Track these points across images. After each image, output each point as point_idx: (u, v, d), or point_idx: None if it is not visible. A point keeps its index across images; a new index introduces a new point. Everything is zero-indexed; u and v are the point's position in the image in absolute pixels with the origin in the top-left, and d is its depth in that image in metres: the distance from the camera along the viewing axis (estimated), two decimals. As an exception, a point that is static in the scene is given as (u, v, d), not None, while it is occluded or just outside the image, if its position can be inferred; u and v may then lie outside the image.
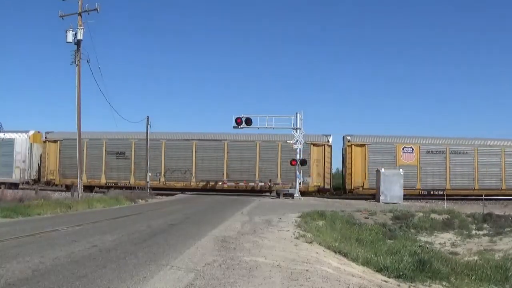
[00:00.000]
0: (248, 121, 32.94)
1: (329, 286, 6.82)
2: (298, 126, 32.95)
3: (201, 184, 36.36)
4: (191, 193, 36.18)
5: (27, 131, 38.29)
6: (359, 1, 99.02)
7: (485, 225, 21.01)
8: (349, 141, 35.40)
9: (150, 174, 35.60)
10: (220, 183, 35.96)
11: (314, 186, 35.36)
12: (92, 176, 36.65)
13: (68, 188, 35.47)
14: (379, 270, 9.99)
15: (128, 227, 12.94)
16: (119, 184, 36.00)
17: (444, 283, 10.33)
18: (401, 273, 9.80)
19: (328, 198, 33.80)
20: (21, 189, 33.19)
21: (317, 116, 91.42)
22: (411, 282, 9.55)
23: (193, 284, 6.11)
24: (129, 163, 36.90)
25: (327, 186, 35.42)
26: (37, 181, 38.38)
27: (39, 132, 39.15)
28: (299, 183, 32.84)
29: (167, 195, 34.10)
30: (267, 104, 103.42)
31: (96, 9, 24.88)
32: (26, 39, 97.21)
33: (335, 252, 10.77)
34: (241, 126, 32.98)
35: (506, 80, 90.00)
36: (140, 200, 26.64)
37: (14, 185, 34.68)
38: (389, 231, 18.20)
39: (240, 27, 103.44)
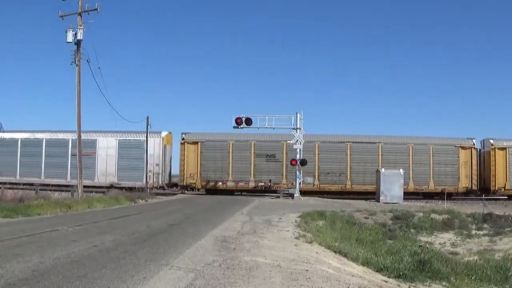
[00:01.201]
0: (248, 121, 32.92)
1: (329, 286, 6.81)
2: (298, 126, 32.93)
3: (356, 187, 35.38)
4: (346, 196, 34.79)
5: (159, 132, 36.86)
6: (360, 1, 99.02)
7: (485, 225, 20.99)
8: (492, 145, 35.82)
9: (150, 174, 35.48)
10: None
11: (463, 187, 35.57)
12: (241, 179, 35.32)
13: (208, 192, 34.72)
14: (379, 270, 9.99)
15: (128, 227, 12.94)
16: (271, 187, 35.11)
17: (444, 283, 10.32)
18: (401, 273, 9.80)
19: (328, 198, 33.79)
20: (157, 193, 32.51)
21: (317, 116, 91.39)
22: (411, 282, 9.55)
23: (193, 284, 6.11)
24: (279, 165, 35.62)
25: (474, 188, 35.59)
26: (170, 185, 37.35)
27: (170, 132, 37.96)
28: (300, 183, 32.85)
29: (167, 195, 34.09)
30: (267, 104, 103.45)
31: (96, 9, 24.85)
32: (26, 39, 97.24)
33: (335, 252, 10.76)
34: (241, 126, 32.96)
35: None
36: (140, 200, 26.62)
37: (141, 190, 33.19)
38: (389, 231, 18.18)
39: (240, 27, 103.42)
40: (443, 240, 18.46)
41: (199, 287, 6.00)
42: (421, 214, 22.53)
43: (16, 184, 36.84)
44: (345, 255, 10.59)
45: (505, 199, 34.04)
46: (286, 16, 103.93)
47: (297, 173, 32.68)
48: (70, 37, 24.61)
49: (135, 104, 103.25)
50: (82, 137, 36.10)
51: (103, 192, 29.40)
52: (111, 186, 35.30)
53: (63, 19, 25.25)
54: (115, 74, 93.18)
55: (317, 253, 9.92)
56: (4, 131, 40.18)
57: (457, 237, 19.05)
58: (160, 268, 7.04)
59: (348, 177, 35.57)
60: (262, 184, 35.28)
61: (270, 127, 33.79)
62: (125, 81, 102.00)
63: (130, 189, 33.08)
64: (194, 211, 20.03)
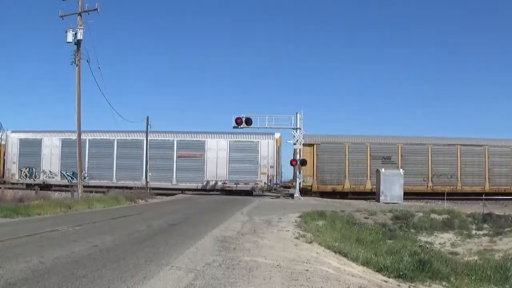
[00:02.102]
0: (248, 121, 32.92)
1: (329, 286, 6.81)
2: (298, 126, 32.95)
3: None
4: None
5: (272, 133, 36.04)
6: (360, 2, 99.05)
7: (485, 225, 20.98)
8: None
9: (150, 174, 35.48)
10: None
11: None
12: (356, 182, 34.83)
13: (323, 195, 33.71)
14: (379, 270, 9.98)
15: (128, 227, 12.94)
16: None
17: (444, 283, 10.31)
18: (401, 273, 9.79)
19: (328, 198, 33.79)
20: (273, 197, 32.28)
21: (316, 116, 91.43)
22: (411, 282, 9.54)
23: (193, 284, 6.11)
24: (395, 168, 34.72)
25: None
26: (283, 187, 36.46)
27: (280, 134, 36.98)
28: (299, 183, 32.85)
29: (167, 195, 34.10)
30: (267, 104, 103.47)
31: (96, 9, 24.86)
32: (25, 39, 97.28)
33: (335, 252, 10.76)
34: (241, 126, 32.98)
35: None
36: (140, 200, 26.62)
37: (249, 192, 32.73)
38: (389, 231, 18.16)
39: (240, 27, 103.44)
40: (443, 240, 18.45)
41: (199, 287, 6.00)
42: (421, 214, 22.53)
43: (113, 188, 35.59)
44: (345, 255, 10.59)
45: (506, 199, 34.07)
46: (286, 16, 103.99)
47: (297, 173, 32.69)
48: (70, 37, 24.62)
49: (135, 104, 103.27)
50: (189, 138, 36.32)
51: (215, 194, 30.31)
52: (222, 190, 35.04)
53: (63, 19, 25.29)
54: (115, 74, 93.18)
55: (317, 253, 9.92)
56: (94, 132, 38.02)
57: (457, 237, 19.05)
58: (160, 268, 7.04)
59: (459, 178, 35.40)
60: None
61: (270, 127, 33.87)
62: (125, 81, 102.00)
63: (243, 192, 33.39)
64: (194, 211, 20.03)
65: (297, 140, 32.69)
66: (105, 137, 37.81)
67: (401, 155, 35.06)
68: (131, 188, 33.39)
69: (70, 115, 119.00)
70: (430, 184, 35.04)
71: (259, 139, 35.86)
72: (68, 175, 37.21)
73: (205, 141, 36.35)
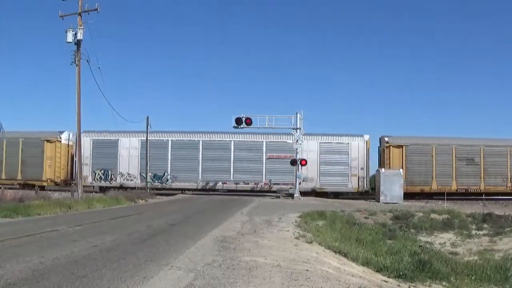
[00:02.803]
0: (248, 121, 32.97)
1: (329, 286, 6.81)
2: (298, 126, 32.97)
3: None
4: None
5: (362, 135, 35.95)
6: (360, 1, 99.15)
7: (485, 225, 20.99)
8: None
9: (150, 174, 35.41)
10: None
11: None
12: (443, 182, 34.80)
13: (412, 196, 33.79)
14: (379, 270, 9.98)
15: (128, 227, 12.95)
16: (469, 190, 35.01)
17: (444, 283, 10.32)
18: (401, 273, 9.79)
19: (328, 198, 33.81)
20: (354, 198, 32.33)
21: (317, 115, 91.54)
22: (411, 282, 9.54)
23: (193, 284, 6.11)
24: (477, 168, 35.20)
25: None
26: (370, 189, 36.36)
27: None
28: (299, 183, 32.87)
29: (167, 195, 34.11)
30: (267, 104, 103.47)
31: (96, 9, 24.86)
32: (26, 39, 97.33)
33: (335, 252, 10.76)
34: (241, 126, 33.01)
35: None
36: (140, 200, 26.64)
37: (344, 194, 32.70)
38: (389, 231, 18.17)
39: (240, 27, 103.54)
40: (443, 240, 18.46)
41: (199, 287, 6.01)
42: (421, 214, 22.55)
43: (198, 190, 35.82)
44: (345, 255, 10.59)
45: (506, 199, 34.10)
46: (286, 16, 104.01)
47: (297, 173, 32.72)
48: (70, 37, 24.62)
49: (135, 104, 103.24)
50: (274, 140, 36.01)
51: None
52: (313, 191, 34.77)
53: (63, 19, 25.28)
54: (115, 74, 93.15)
55: (317, 253, 9.92)
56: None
57: (457, 237, 19.06)
58: (160, 268, 7.05)
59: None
60: (462, 187, 35.39)
61: (270, 127, 33.90)
62: (125, 81, 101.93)
63: (337, 194, 33.37)
64: (194, 211, 20.04)
65: (297, 140, 32.70)
66: (191, 138, 36.99)
67: (483, 157, 35.31)
68: (217, 190, 33.93)
69: (70, 115, 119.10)
70: (509, 184, 35.34)
71: (349, 140, 35.57)
72: (148, 177, 36.02)
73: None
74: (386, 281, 9.02)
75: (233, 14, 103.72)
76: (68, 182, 38.00)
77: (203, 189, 36.33)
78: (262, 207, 23.34)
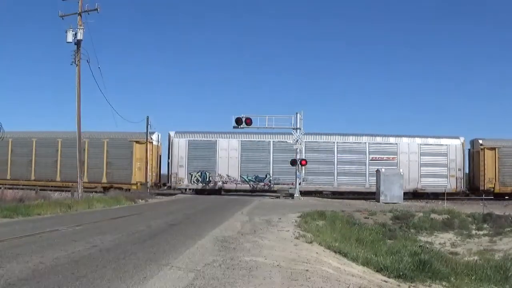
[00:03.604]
0: (248, 121, 32.98)
1: (329, 286, 6.81)
2: (298, 126, 32.97)
3: None
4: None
5: (458, 137, 36.61)
6: (360, 1, 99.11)
7: (485, 225, 20.98)
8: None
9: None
10: None
11: None
12: None
13: (504, 195, 34.81)
14: (379, 270, 9.98)
15: (128, 227, 12.94)
16: None
17: (444, 283, 10.31)
18: (401, 273, 9.79)
19: (327, 198, 33.81)
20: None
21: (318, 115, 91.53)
22: (411, 282, 9.54)
23: (193, 284, 6.11)
24: None
25: None
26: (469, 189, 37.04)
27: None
28: (299, 183, 32.87)
29: (167, 195, 34.09)
30: (267, 104, 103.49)
31: (96, 9, 24.86)
32: (25, 39, 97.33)
33: (335, 252, 10.76)
34: (241, 126, 33.02)
35: None
36: (140, 200, 26.63)
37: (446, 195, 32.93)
38: (389, 231, 18.17)
39: (240, 27, 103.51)
40: (443, 240, 18.45)
41: (199, 287, 6.01)
42: (421, 214, 22.53)
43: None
44: (345, 255, 10.59)
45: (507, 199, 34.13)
46: (286, 17, 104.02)
47: (297, 173, 32.72)
48: (70, 37, 24.62)
49: (135, 104, 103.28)
50: (380, 141, 36.22)
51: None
52: (415, 192, 35.21)
53: (63, 19, 25.27)
54: (115, 74, 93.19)
55: (317, 253, 9.92)
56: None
57: (457, 237, 19.05)
58: (160, 268, 7.04)
59: None
60: None
61: (270, 127, 33.90)
62: (125, 81, 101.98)
63: (436, 194, 33.68)
64: (194, 211, 20.03)
65: (297, 140, 32.69)
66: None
67: None
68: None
69: (70, 116, 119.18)
70: None
71: (447, 142, 35.96)
72: (249, 179, 35.52)
73: (397, 144, 36.00)
74: (386, 281, 9.02)
75: (234, 14, 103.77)
76: (158, 185, 37.26)
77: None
78: (262, 207, 23.34)
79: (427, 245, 15.97)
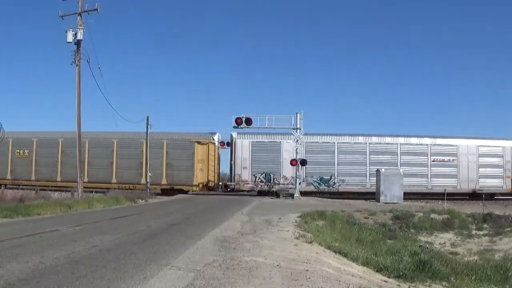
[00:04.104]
0: (248, 121, 32.97)
1: (329, 286, 6.81)
2: (298, 126, 32.96)
3: None
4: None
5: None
6: (359, 1, 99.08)
7: (485, 225, 20.99)
8: None
9: (150, 174, 35.39)
10: None
11: None
12: None
13: None
14: (379, 270, 9.98)
15: (128, 227, 12.93)
16: None
17: (444, 283, 10.31)
18: (401, 273, 9.79)
19: (328, 198, 33.80)
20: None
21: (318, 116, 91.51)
22: (411, 282, 9.54)
23: (193, 284, 6.11)
24: None
25: None
26: None
27: None
28: (299, 183, 32.86)
29: (167, 195, 34.09)
30: (267, 104, 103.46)
31: (96, 9, 24.86)
32: (25, 39, 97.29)
33: (335, 252, 10.76)
34: (241, 126, 33.01)
35: None
36: (140, 200, 26.62)
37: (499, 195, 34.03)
38: (389, 231, 18.18)
39: (240, 27, 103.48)
40: (443, 240, 18.46)
41: (199, 287, 6.00)
42: (421, 214, 22.54)
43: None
44: (345, 255, 10.59)
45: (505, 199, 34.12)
46: (286, 17, 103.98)
47: (297, 173, 32.71)
48: (70, 37, 24.61)
49: (135, 104, 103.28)
50: (441, 143, 36.41)
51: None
52: (473, 193, 35.53)
53: (63, 19, 25.27)
54: (115, 74, 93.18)
55: (317, 253, 9.92)
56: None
57: (457, 237, 19.06)
58: (160, 268, 7.04)
59: None
60: None
61: (270, 127, 33.88)
62: (125, 81, 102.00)
63: (492, 194, 34.52)
64: (194, 211, 20.03)
65: (297, 140, 32.68)
66: (357, 141, 36.31)
67: None
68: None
69: (71, 115, 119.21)
70: None
71: (503, 144, 36.43)
72: (315, 181, 35.39)
73: (457, 146, 36.30)
74: (386, 281, 9.02)
75: (234, 14, 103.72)
76: (219, 186, 37.04)
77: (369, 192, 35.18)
78: (262, 207, 23.33)
79: (427, 245, 15.98)
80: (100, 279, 6.22)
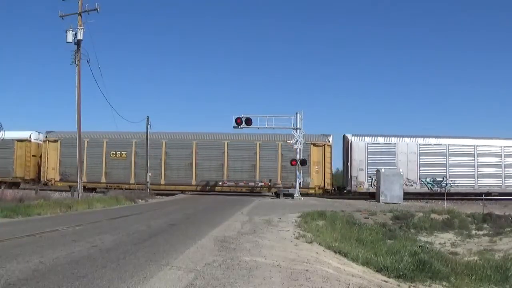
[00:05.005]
0: (248, 121, 32.99)
1: (329, 286, 6.81)
2: (298, 126, 32.96)
3: None
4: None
5: None
6: (360, 1, 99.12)
7: (485, 225, 21.00)
8: None
9: (150, 174, 35.44)
10: None
11: None
12: None
13: None
14: (379, 270, 9.99)
15: (128, 227, 12.94)
16: None
17: (444, 283, 10.32)
18: (401, 273, 9.80)
19: (328, 198, 33.81)
20: None
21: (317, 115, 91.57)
22: (411, 282, 9.54)
23: (193, 284, 6.11)
24: None
25: None
26: None
27: None
28: (299, 183, 32.85)
29: (167, 195, 34.09)
30: (267, 104, 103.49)
31: (96, 9, 24.87)
32: (25, 39, 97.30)
33: (335, 252, 10.77)
34: (241, 126, 33.01)
35: None
36: (140, 200, 26.63)
37: None
38: (389, 231, 18.18)
39: (240, 27, 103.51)
40: (443, 240, 18.46)
41: (199, 287, 6.01)
42: (421, 214, 22.54)
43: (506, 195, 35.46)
44: (345, 255, 10.60)
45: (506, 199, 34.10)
46: (286, 16, 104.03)
47: (297, 173, 32.70)
48: (70, 37, 24.63)
49: (135, 104, 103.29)
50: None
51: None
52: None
53: (63, 19, 25.29)
54: (115, 74, 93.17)
55: (317, 253, 9.92)
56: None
57: (457, 237, 19.06)
58: (160, 268, 7.04)
59: None
60: None
61: (270, 127, 33.89)
62: (125, 81, 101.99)
63: None
64: (194, 211, 20.03)
65: (297, 140, 32.67)
66: (466, 144, 36.04)
67: None
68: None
69: (70, 116, 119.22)
70: None
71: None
72: (428, 183, 35.41)
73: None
74: (386, 281, 9.02)
75: (234, 14, 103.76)
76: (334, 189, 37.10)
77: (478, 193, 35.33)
78: (262, 207, 23.33)
79: (427, 245, 15.97)
80: (100, 279, 6.22)
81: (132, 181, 36.57)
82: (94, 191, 32.57)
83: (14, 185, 35.19)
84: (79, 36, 24.69)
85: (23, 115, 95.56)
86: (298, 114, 33.24)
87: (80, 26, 24.82)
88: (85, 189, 32.70)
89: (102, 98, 46.02)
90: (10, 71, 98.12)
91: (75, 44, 24.98)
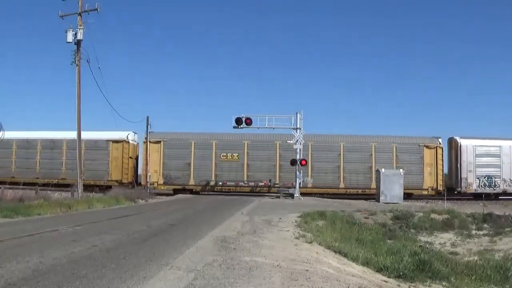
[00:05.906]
0: (248, 121, 32.97)
1: (329, 286, 6.81)
2: (298, 126, 32.95)
3: None
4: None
5: None
6: (360, 1, 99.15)
7: (485, 225, 20.98)
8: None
9: (150, 174, 35.42)
10: None
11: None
12: None
13: None
14: (379, 270, 9.98)
15: (128, 227, 12.94)
16: None
17: (444, 283, 10.31)
18: (401, 273, 9.79)
19: (328, 198, 33.81)
20: None
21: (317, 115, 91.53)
22: (411, 282, 9.54)
23: (193, 284, 6.11)
24: None
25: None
26: None
27: None
28: (299, 183, 32.85)
29: (167, 195, 34.08)
30: (267, 104, 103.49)
31: (96, 9, 24.88)
32: (25, 38, 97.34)
33: (335, 252, 10.76)
34: (241, 126, 33.01)
35: None
36: (140, 200, 26.63)
37: None
38: (389, 231, 18.17)
39: (240, 26, 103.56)
40: (443, 240, 18.45)
41: (199, 287, 6.01)
42: (421, 214, 22.53)
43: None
44: (345, 255, 10.59)
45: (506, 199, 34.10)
46: (285, 16, 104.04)
47: (297, 173, 32.70)
48: (70, 37, 24.64)
49: (135, 104, 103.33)
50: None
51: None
52: None
53: (63, 19, 25.31)
54: (115, 74, 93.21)
55: (317, 253, 9.92)
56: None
57: (457, 237, 19.05)
58: (160, 268, 7.04)
59: None
60: None
61: (270, 127, 33.88)
62: (125, 81, 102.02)
63: None
64: (194, 211, 20.04)
65: (297, 140, 32.67)
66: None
67: None
68: None
69: (71, 115, 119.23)
70: None
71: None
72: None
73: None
74: (386, 281, 9.02)
75: (234, 14, 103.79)
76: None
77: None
78: (262, 207, 23.33)
79: (427, 245, 15.97)
80: (100, 279, 6.22)
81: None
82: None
83: (107, 188, 31.70)
84: (79, 36, 24.70)
85: (23, 115, 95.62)
86: (298, 114, 33.24)
87: (80, 26, 24.82)
88: (192, 192, 34.33)
89: (102, 97, 46.09)
90: (10, 71, 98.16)
91: (75, 44, 24.99)
